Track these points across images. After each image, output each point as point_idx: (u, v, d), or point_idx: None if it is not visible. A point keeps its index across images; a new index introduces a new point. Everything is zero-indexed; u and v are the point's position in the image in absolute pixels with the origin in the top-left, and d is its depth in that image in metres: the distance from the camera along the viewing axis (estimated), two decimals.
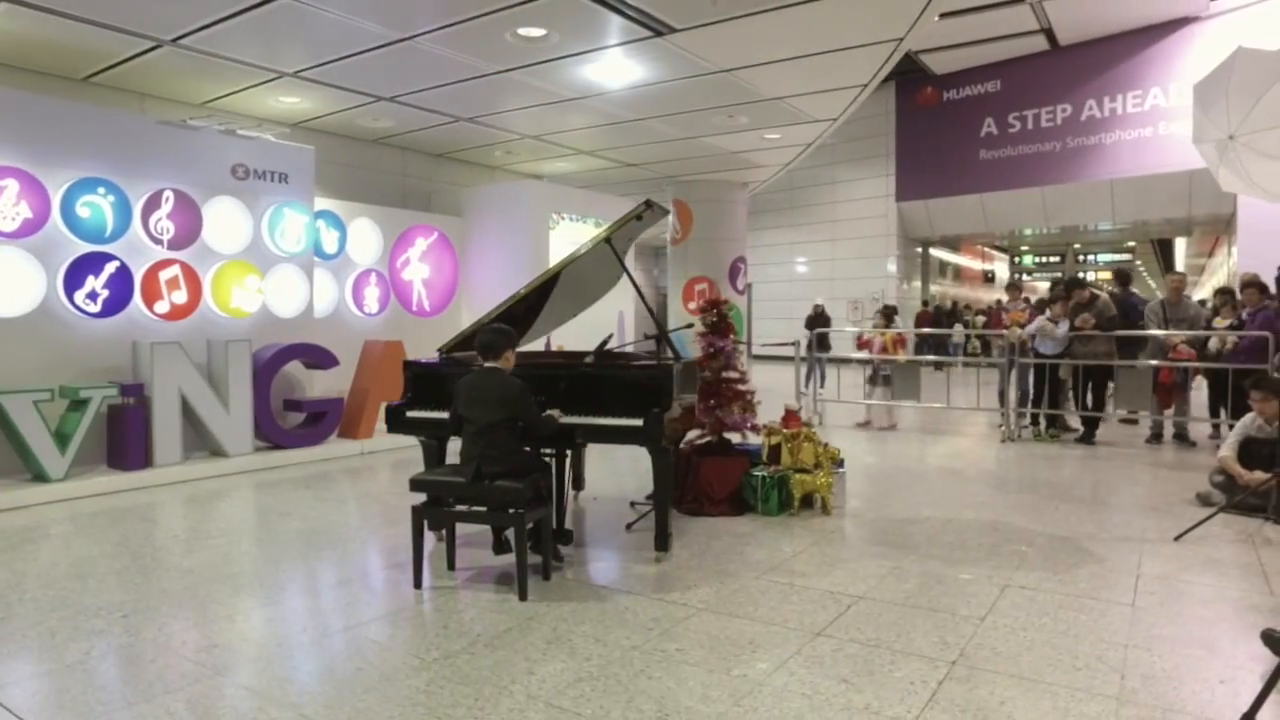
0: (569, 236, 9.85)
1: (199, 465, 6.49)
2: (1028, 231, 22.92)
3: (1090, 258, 24.42)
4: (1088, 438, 8.19)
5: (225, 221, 7.03)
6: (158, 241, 6.63)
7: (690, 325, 4.93)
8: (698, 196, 12.57)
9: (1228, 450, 5.52)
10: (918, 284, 23.86)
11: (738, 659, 3.02)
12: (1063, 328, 8.21)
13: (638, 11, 5.59)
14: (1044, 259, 25.14)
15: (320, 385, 7.81)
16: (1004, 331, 9.23)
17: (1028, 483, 6.35)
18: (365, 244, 8.65)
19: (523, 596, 3.63)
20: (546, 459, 4.23)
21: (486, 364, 3.83)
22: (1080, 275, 14.36)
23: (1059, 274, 24.28)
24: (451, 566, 4.08)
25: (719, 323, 5.72)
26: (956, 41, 16.65)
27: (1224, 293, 8.55)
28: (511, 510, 3.65)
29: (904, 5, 5.47)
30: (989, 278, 27.36)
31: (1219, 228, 18.23)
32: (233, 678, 2.84)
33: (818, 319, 14.60)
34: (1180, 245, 23.83)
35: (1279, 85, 4.15)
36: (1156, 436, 8.20)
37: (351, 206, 8.55)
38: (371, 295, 8.72)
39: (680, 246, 12.93)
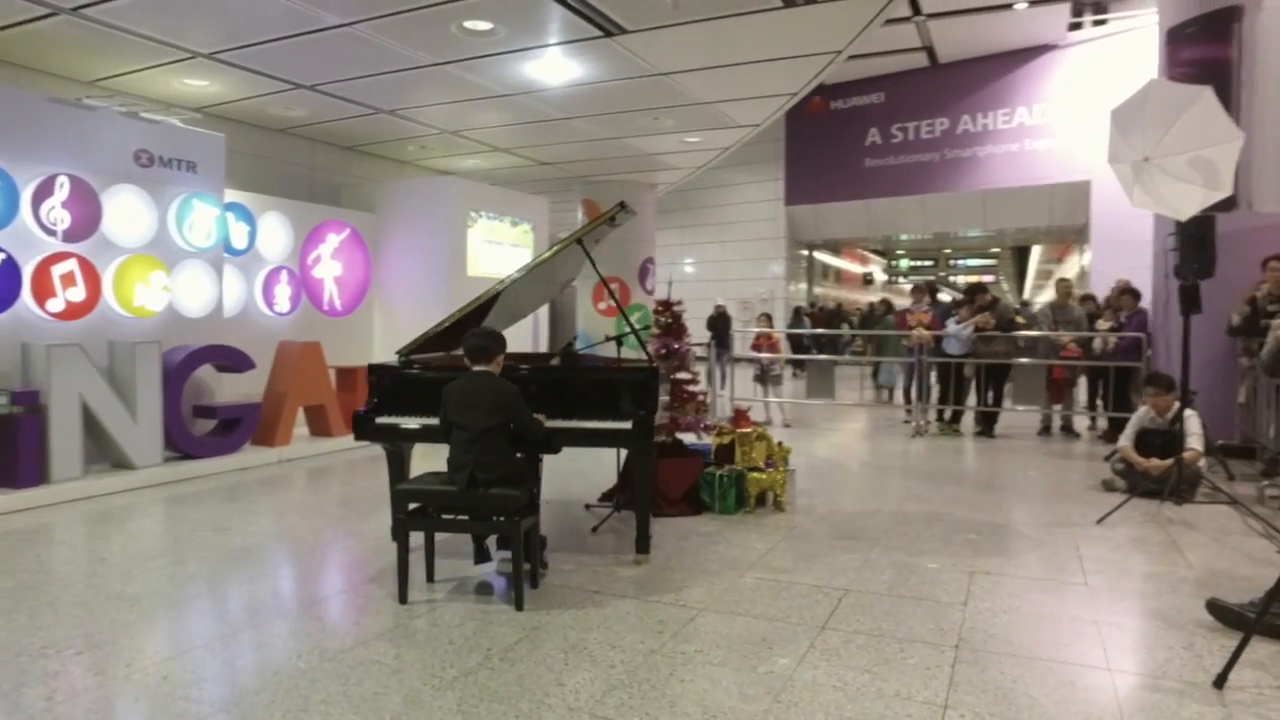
0: (486, 235, 9.66)
1: (102, 480, 5.93)
2: (904, 236, 24.33)
3: (959, 262, 26.12)
4: (988, 431, 8.80)
5: (127, 212, 6.46)
6: (50, 232, 6.01)
7: (611, 338, 4.96)
8: (607, 197, 12.55)
9: (1126, 441, 6.09)
10: (803, 286, 24.84)
11: (758, 656, 3.08)
12: (967, 329, 8.79)
13: (594, 11, 5.57)
14: (917, 262, 26.68)
15: (230, 389, 7.32)
16: (910, 332, 9.77)
17: (951, 475, 6.76)
18: (276, 239, 8.16)
19: (519, 606, 3.55)
20: None
21: (477, 368, 3.72)
22: (981, 280, 15.36)
23: (931, 277, 25.82)
24: (431, 579, 3.94)
25: (673, 324, 5.78)
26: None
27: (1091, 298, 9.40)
28: (507, 518, 3.57)
29: (851, 18, 5.71)
30: (868, 280, 28.81)
31: (1072, 236, 19.93)
32: (242, 713, 2.64)
33: (719, 319, 14.93)
34: (1035, 252, 25.88)
35: (1187, 116, 4.62)
36: (1046, 429, 8.91)
37: (261, 199, 8.04)
38: (282, 294, 8.25)
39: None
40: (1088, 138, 16.26)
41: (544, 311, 10.72)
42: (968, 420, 9.15)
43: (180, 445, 6.50)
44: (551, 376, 4.26)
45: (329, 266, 8.81)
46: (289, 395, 7.33)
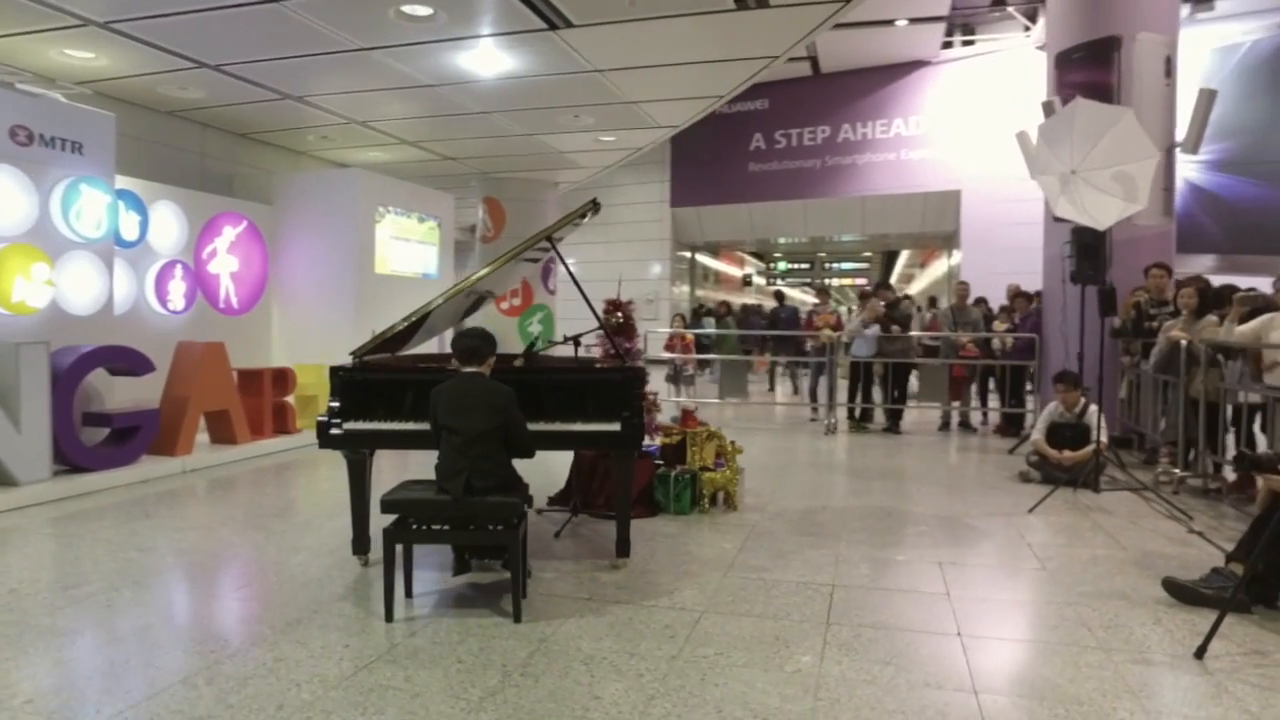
0: (394, 231, 9.23)
1: None
2: (782, 240, 25.21)
3: (834, 265, 27.32)
4: (894, 428, 9.24)
5: (2, 195, 5.73)
6: None
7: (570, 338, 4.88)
8: (510, 195, 12.34)
9: (1038, 434, 6.55)
10: (685, 288, 25.27)
11: (779, 655, 3.09)
12: (873, 330, 9.21)
13: (544, 3, 5.41)
14: (795, 265, 27.70)
15: (122, 394, 6.64)
16: (817, 333, 10.13)
17: (877, 470, 7.05)
18: (169, 231, 7.47)
19: (517, 618, 3.41)
20: None
21: (467, 369, 3.54)
22: (888, 282, 16.14)
23: (808, 280, 26.86)
24: (410, 594, 3.71)
25: (624, 325, 5.72)
26: None
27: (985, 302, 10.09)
28: (505, 526, 3.42)
29: (797, 24, 5.83)
30: (747, 281, 29.64)
31: (940, 242, 21.29)
32: None
33: None
34: (904, 256, 27.45)
35: (1111, 134, 5.02)
36: (946, 425, 9.46)
37: (152, 187, 7.34)
38: (177, 290, 7.56)
39: (492, 245, 12.61)
40: (959, 150, 17.48)
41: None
42: (876, 417, 9.58)
43: (71, 458, 5.83)
44: (535, 378, 4.11)
45: (225, 261, 8.16)
46: (191, 400, 6.73)
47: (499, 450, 3.50)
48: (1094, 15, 7.81)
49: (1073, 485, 5.97)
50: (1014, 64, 16.44)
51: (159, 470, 6.38)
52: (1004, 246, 16.46)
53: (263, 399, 7.49)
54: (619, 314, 5.78)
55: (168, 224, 7.45)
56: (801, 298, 34.66)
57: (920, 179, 18.20)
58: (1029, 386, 9.10)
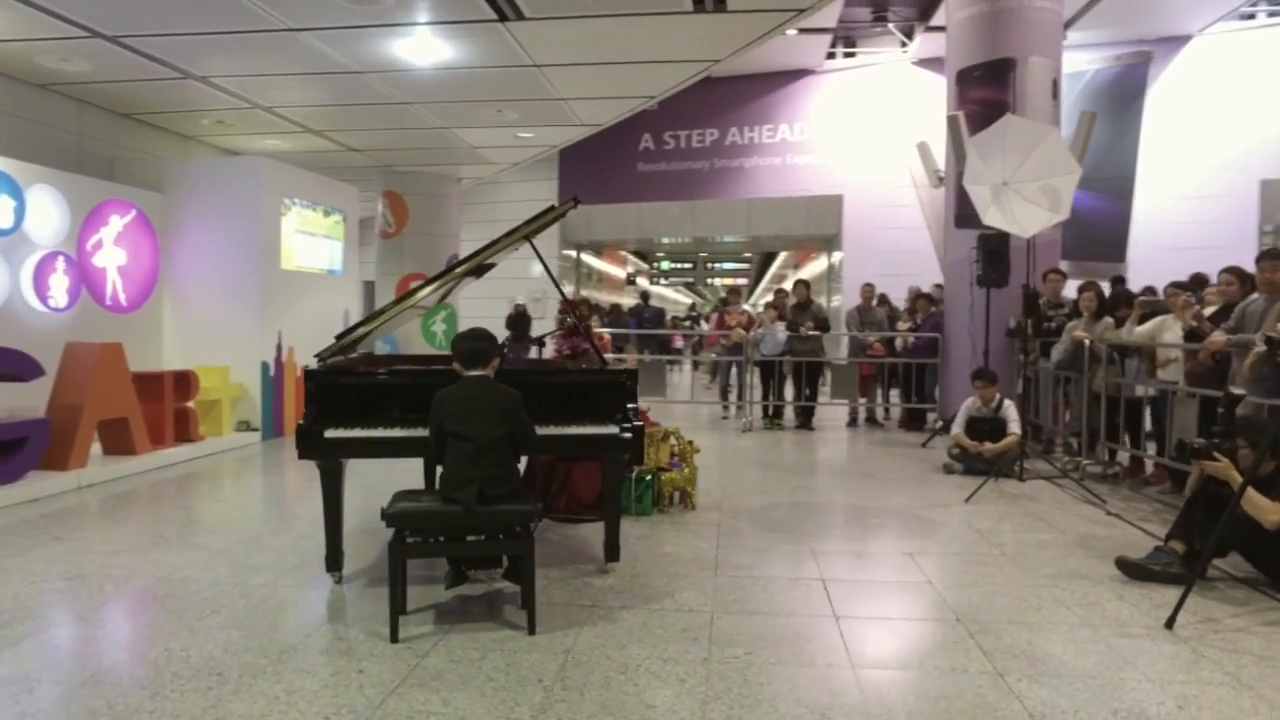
0: (299, 224, 8.69)
1: None
2: (666, 240, 25.59)
3: (716, 265, 28.01)
4: (806, 424, 9.59)
5: None
6: None
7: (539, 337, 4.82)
8: (413, 189, 11.90)
9: (958, 429, 6.98)
10: (571, 287, 25.20)
11: (807, 651, 3.15)
12: (782, 330, 9.53)
13: None
14: (678, 265, 28.19)
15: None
16: (729, 333, 10.37)
17: (808, 466, 7.31)
18: (48, 219, 6.68)
19: (532, 630, 3.30)
20: None
21: (472, 372, 3.39)
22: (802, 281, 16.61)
23: (691, 279, 27.38)
24: (404, 610, 3.51)
25: (580, 324, 5.64)
26: None
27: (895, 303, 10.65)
28: (521, 534, 3.30)
29: (747, 29, 5.92)
30: (630, 280, 29.89)
31: (820, 244, 22.25)
32: None
33: (519, 319, 14.72)
34: (780, 257, 28.50)
35: (1040, 149, 5.43)
36: (853, 421, 9.91)
37: (28, 169, 6.54)
38: (59, 285, 6.78)
39: (394, 240, 12.13)
40: (842, 156, 18.33)
41: (354, 310, 9.88)
42: (787, 414, 9.91)
43: None
44: (527, 381, 3.97)
45: (112, 254, 7.40)
46: (86, 408, 6.08)
47: (511, 456, 3.38)
48: (992, 38, 8.40)
49: (994, 475, 6.39)
50: (892, 77, 17.46)
51: (50, 487, 5.72)
52: (884, 249, 17.47)
53: (163, 405, 6.87)
54: (575, 314, 5.72)
55: (47, 211, 6.67)
56: (675, 297, 35.38)
57: (805, 183, 18.93)
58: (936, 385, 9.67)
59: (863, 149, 17.71)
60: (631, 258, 30.35)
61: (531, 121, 8.70)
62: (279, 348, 8.30)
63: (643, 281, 31.06)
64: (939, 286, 10.04)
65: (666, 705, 2.71)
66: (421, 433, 3.60)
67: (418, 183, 11.72)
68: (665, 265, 28.59)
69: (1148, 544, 4.36)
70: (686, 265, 28.04)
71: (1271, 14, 14.38)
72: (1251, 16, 14.45)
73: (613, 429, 3.87)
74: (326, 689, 2.82)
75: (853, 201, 18.29)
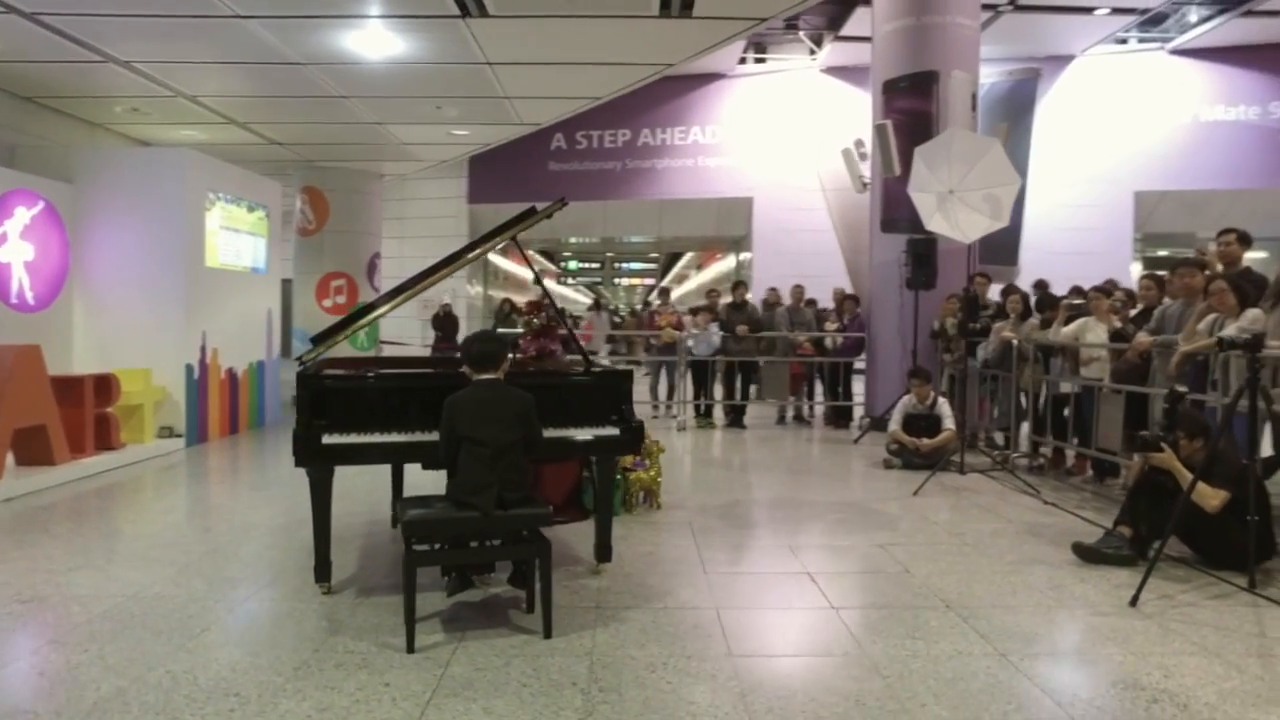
0: (223, 220, 8.25)
1: None
2: (573, 239, 25.56)
3: (623, 265, 28.18)
4: (738, 423, 9.82)
5: None
6: None
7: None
8: (334, 185, 11.48)
9: (895, 425, 7.32)
10: (480, 288, 24.81)
11: (820, 644, 3.28)
12: (716, 332, 9.74)
13: None
14: (585, 265, 28.21)
15: None
16: (659, 332, 10.49)
17: (754, 464, 7.50)
18: None
19: (548, 634, 3.30)
20: None
21: (483, 375, 3.35)
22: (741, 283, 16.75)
23: (599, 279, 27.47)
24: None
25: (548, 325, 5.62)
26: None
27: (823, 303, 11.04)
28: (534, 538, 3.29)
29: (708, 34, 6.02)
30: (537, 281, 29.65)
31: (728, 245, 22.75)
32: None
33: (446, 319, 14.39)
34: (685, 258, 28.95)
35: (985, 159, 5.78)
36: (782, 418, 10.22)
37: None
38: None
39: (314, 238, 11.66)
40: (752, 158, 18.80)
41: (276, 310, 9.45)
42: (716, 413, 10.12)
43: None
44: (534, 383, 3.94)
45: (18, 248, 6.81)
46: (1, 414, 5.61)
47: (525, 460, 3.36)
48: (916, 51, 8.83)
49: (932, 469, 6.75)
50: (801, 83, 18.06)
51: None
52: (792, 250, 18.07)
53: (83, 411, 6.41)
54: (540, 315, 5.69)
55: None
56: (576, 297, 35.33)
57: (715, 185, 19.32)
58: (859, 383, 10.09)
59: (773, 152, 18.24)
60: (538, 257, 30.14)
61: (470, 119, 8.56)
62: (203, 349, 7.87)
63: (549, 283, 30.89)
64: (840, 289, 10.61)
65: (706, 701, 2.77)
66: (424, 437, 3.54)
67: (339, 178, 11.32)
68: (573, 265, 28.55)
69: (1087, 530, 4.75)
70: (594, 265, 28.08)
71: (1142, 40, 15.69)
72: (1125, 41, 15.72)
73: (609, 430, 3.89)
74: (358, 705, 2.74)
75: (762, 203, 18.79)
